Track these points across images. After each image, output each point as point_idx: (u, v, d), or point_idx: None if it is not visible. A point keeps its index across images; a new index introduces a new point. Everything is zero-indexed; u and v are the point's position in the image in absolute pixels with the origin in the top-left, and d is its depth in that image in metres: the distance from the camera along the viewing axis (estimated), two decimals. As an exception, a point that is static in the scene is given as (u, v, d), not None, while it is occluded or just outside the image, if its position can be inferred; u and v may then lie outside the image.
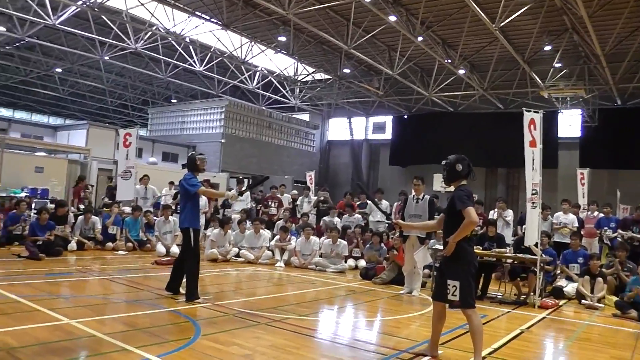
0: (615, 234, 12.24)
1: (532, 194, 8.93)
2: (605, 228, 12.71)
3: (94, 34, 20.73)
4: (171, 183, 16.00)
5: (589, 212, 13.79)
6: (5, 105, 37.60)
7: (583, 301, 9.28)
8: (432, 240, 10.03)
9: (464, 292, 4.94)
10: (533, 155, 8.94)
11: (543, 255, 9.19)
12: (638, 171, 22.68)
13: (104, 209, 14.42)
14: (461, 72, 22.54)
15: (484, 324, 6.18)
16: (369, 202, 14.15)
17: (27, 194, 16.14)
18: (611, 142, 23.22)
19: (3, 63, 28.81)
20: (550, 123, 22.82)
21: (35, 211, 13.41)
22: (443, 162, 5.39)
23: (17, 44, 25.32)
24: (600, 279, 9.31)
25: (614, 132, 23.43)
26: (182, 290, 7.51)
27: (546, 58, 21.34)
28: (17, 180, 16.81)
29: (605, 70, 19.84)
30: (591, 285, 9.33)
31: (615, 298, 9.01)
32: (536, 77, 21.67)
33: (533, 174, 8.95)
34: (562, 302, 9.50)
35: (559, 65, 21.48)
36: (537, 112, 9.02)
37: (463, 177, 5.27)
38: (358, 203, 15.23)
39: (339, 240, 12.33)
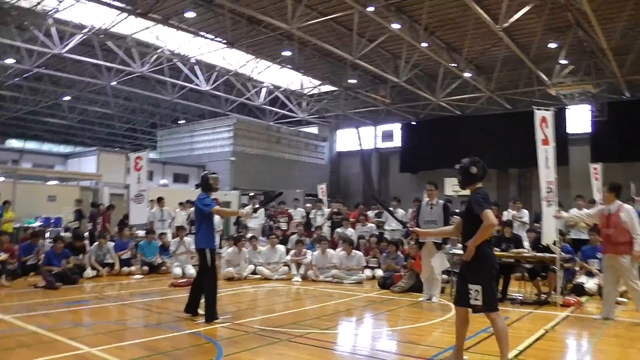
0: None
1: (547, 192, 8.84)
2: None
3: (100, 60, 20.94)
4: (181, 204, 16.01)
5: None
6: (16, 136, 37.95)
7: (606, 297, 9.12)
8: (447, 245, 9.95)
9: (486, 295, 4.86)
10: (546, 154, 8.86)
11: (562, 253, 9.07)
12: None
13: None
14: (467, 75, 22.49)
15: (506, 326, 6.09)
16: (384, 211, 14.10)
17: (41, 223, 16.24)
18: (622, 135, 23.05)
19: (13, 94, 29.14)
20: (559, 120, 22.49)
21: (50, 240, 13.46)
22: (457, 166, 5.30)
23: (26, 75, 25.59)
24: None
25: (624, 125, 23.26)
26: (201, 311, 7.46)
27: (552, 55, 21.19)
28: (30, 209, 16.92)
29: (611, 64, 19.73)
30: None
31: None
32: (543, 76, 21.56)
33: (547, 172, 8.87)
34: (584, 299, 9.37)
35: (565, 62, 21.33)
36: (548, 110, 8.96)
37: (479, 180, 5.19)
38: (376, 212, 15.17)
39: (354, 251, 12.24)
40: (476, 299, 4.89)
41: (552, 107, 9.29)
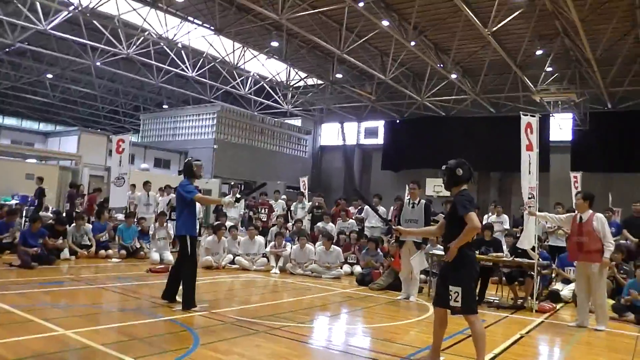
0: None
1: (529, 198, 8.92)
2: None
3: (86, 39, 20.69)
4: (161, 189, 15.88)
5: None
6: (-5, 112, 37.36)
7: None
8: (427, 245, 9.99)
9: (466, 298, 4.88)
10: (529, 159, 8.93)
11: (540, 259, 9.17)
12: (629, 174, 22.82)
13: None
14: (453, 76, 22.59)
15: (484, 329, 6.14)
16: (366, 207, 14.12)
17: (18, 202, 15.98)
18: (602, 145, 23.37)
19: (-7, 68, 28.62)
20: (542, 127, 22.71)
21: (27, 219, 13.26)
22: (443, 167, 5.31)
23: (7, 50, 25.14)
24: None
25: (605, 136, 23.58)
26: (179, 298, 7.40)
27: (538, 62, 21.41)
28: (7, 187, 16.64)
29: (596, 74, 19.96)
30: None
31: (612, 301, 8.97)
32: (528, 82, 21.74)
33: (530, 178, 8.94)
34: (559, 305, 9.49)
35: (550, 69, 21.57)
36: (534, 116, 9.02)
37: (464, 182, 5.20)
38: (358, 208, 15.17)
39: (333, 247, 12.24)
40: (456, 301, 4.90)
41: (536, 114, 9.35)
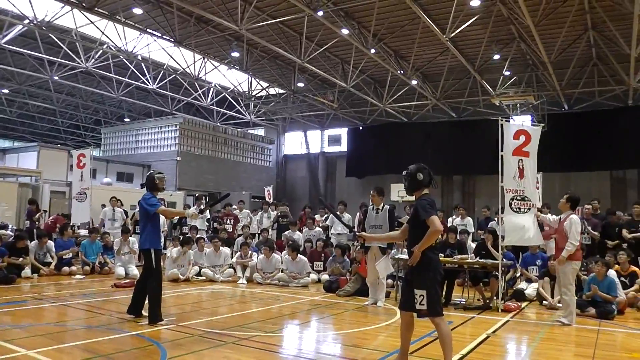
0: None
1: (519, 200, 9.24)
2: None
3: (43, 53, 20.34)
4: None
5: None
6: (-51, 129, 36.35)
7: (544, 302, 9.52)
8: (393, 250, 10.08)
9: (431, 300, 4.94)
10: (519, 164, 9.55)
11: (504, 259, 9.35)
12: (586, 173, 23.43)
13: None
14: (414, 82, 22.85)
15: (450, 330, 6.22)
16: (331, 215, 14.19)
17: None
18: (560, 146, 23.86)
19: (-55, 85, 27.87)
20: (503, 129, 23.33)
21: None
22: (404, 172, 5.38)
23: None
24: (559, 280, 9.50)
25: (563, 136, 24.09)
26: (145, 312, 7.32)
27: (496, 66, 21.88)
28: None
29: (552, 77, 20.46)
30: (551, 286, 9.53)
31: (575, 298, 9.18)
32: (487, 86, 22.15)
33: (513, 182, 9.39)
34: (524, 304, 9.68)
35: (508, 73, 22.06)
36: (498, 120, 9.38)
37: (425, 186, 5.28)
38: (325, 217, 15.21)
39: (299, 257, 12.23)
40: (421, 304, 4.96)
41: (499, 117, 9.63)
